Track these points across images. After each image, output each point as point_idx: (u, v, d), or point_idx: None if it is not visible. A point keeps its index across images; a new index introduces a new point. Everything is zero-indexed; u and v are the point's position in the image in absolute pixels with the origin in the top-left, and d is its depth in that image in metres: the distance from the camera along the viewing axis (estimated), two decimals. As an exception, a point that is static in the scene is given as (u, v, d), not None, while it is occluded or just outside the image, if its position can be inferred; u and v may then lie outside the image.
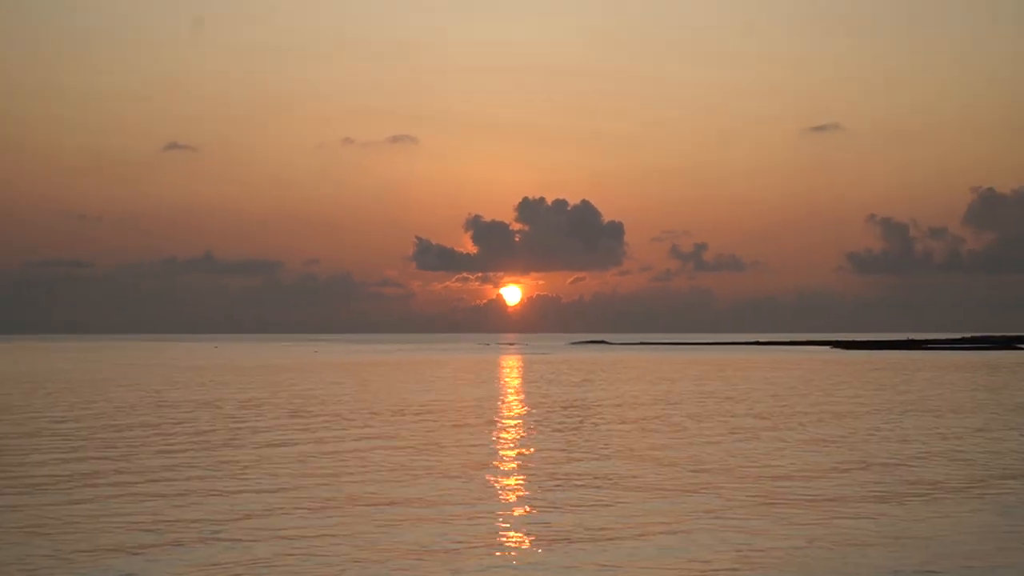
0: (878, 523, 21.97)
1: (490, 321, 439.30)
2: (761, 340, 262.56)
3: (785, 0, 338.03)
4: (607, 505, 24.30)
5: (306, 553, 18.79)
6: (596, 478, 28.94)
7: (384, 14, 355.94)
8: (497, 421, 49.02)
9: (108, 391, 72.47)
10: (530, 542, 20.26)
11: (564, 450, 35.93)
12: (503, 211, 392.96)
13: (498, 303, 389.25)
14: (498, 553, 19.20)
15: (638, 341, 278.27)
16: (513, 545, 20.14)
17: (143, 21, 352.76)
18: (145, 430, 43.36)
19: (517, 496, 26.57)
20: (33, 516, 22.76)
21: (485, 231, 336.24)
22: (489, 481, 28.94)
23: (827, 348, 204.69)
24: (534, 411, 54.04)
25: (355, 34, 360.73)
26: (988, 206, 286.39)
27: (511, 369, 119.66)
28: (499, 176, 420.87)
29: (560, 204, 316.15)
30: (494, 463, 33.28)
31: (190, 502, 24.54)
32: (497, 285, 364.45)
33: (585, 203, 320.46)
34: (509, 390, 76.16)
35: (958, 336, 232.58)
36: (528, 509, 24.34)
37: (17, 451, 35.81)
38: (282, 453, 35.04)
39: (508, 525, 22.43)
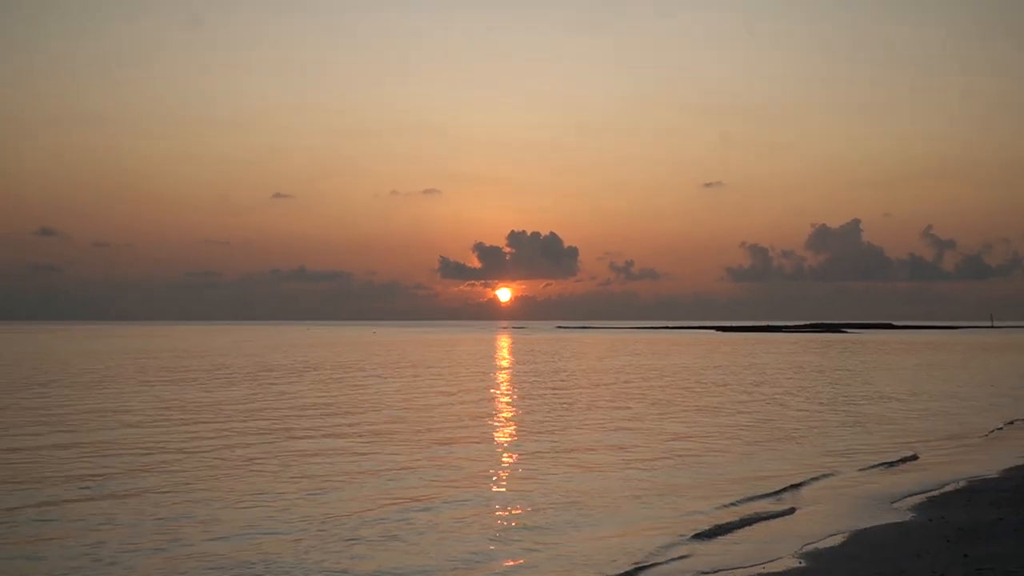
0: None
1: (489, 313, 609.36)
2: (669, 326, 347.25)
3: (685, 92, 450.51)
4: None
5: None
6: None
7: (418, 103, 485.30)
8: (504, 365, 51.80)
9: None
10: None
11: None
12: (498, 239, 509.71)
13: (494, 301, 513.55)
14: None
15: (588, 327, 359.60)
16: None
17: (256, 102, 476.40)
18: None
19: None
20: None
21: (486, 252, 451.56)
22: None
23: (713, 331, 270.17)
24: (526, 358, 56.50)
25: (398, 118, 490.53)
26: (821, 236, 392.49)
27: (507, 342, 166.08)
28: (496, 216, 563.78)
29: (536, 235, 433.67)
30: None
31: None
32: (494, 289, 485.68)
33: (552, 234, 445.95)
34: (507, 352, 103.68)
35: (802, 323, 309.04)
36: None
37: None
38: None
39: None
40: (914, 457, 26.60)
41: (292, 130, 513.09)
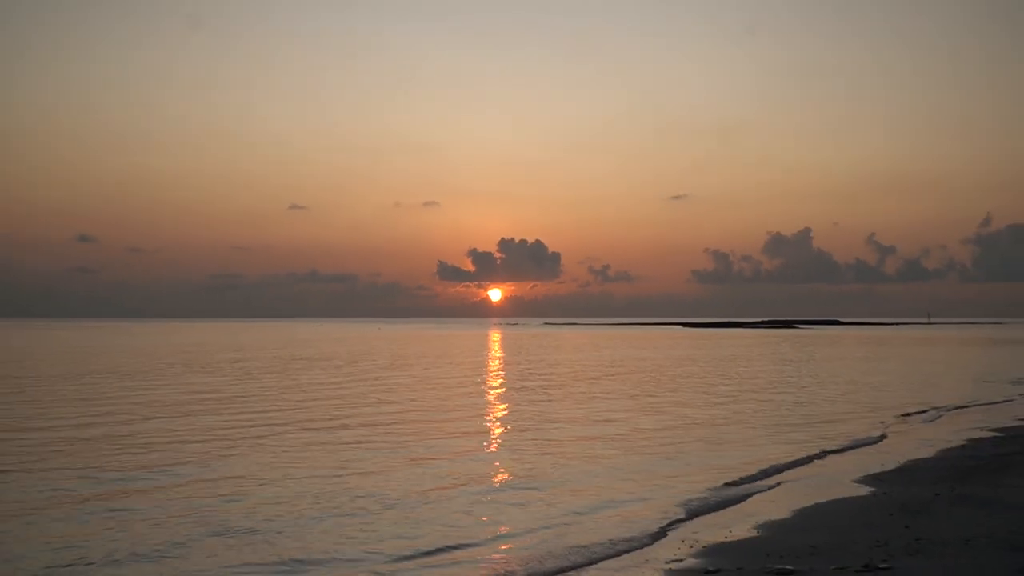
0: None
1: (481, 311, 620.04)
2: (641, 322, 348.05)
3: (655, 115, 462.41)
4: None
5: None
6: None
7: (419, 125, 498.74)
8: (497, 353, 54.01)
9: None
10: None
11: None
12: (490, 246, 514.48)
13: (486, 300, 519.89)
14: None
15: (571, 323, 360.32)
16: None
17: (275, 125, 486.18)
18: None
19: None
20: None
21: (480, 257, 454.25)
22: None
23: (680, 327, 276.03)
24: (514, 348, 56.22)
25: (401, 138, 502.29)
26: (776, 243, 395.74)
27: (499, 335, 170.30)
28: (488, 225, 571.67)
29: (523, 242, 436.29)
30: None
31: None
32: (486, 289, 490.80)
33: (538, 241, 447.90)
34: (499, 342, 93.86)
35: (759, 320, 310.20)
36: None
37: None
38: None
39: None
40: (862, 440, 26.35)
41: (306, 149, 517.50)
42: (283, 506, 16.59)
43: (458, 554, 13.46)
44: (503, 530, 15.04)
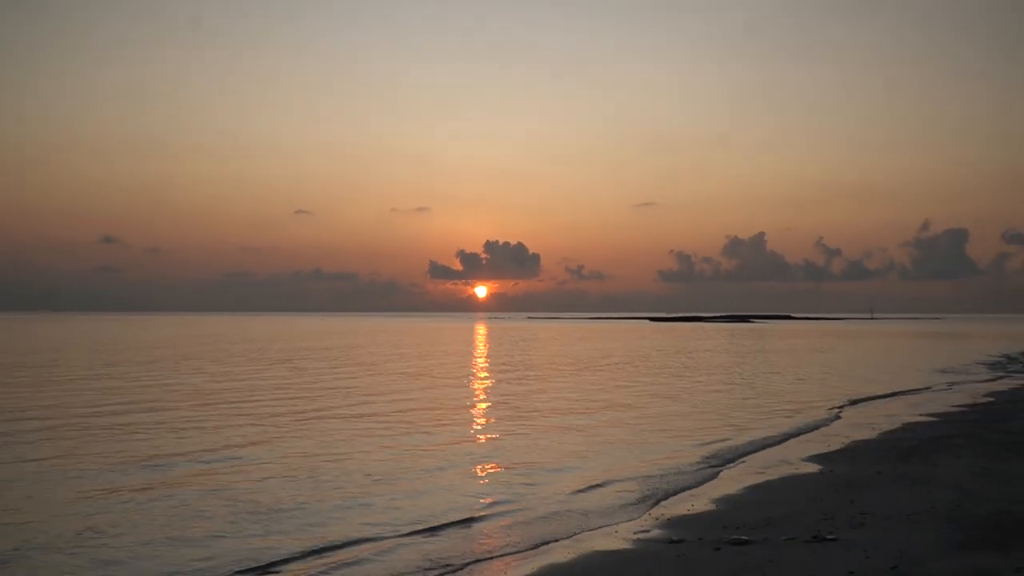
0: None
1: (469, 306, 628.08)
2: (612, 317, 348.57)
3: (625, 131, 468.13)
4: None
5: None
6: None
7: (413, 139, 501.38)
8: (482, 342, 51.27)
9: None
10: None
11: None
12: (476, 247, 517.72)
13: (473, 296, 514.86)
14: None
15: (551, 318, 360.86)
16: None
17: (282, 138, 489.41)
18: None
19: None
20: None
21: (467, 258, 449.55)
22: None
23: (647, 321, 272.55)
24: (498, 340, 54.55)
25: (397, 150, 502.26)
26: (734, 245, 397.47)
27: (485, 328, 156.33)
28: (474, 229, 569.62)
29: (507, 244, 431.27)
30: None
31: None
32: (473, 287, 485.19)
33: (520, 243, 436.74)
34: (484, 333, 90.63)
35: (718, 314, 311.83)
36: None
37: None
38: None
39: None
40: (811, 423, 26.30)
41: (311, 159, 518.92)
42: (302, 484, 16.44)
43: (446, 528, 13.38)
44: (486, 501, 14.97)
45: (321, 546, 12.18)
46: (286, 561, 11.47)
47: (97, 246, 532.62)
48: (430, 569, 11.18)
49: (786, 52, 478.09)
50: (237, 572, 11.04)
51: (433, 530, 13.16)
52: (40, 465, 18.10)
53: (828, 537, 11.81)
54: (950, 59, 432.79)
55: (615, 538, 12.54)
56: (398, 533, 12.92)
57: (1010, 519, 12.51)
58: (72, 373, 44.82)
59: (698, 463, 19.05)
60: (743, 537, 12.03)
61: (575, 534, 12.96)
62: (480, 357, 65.91)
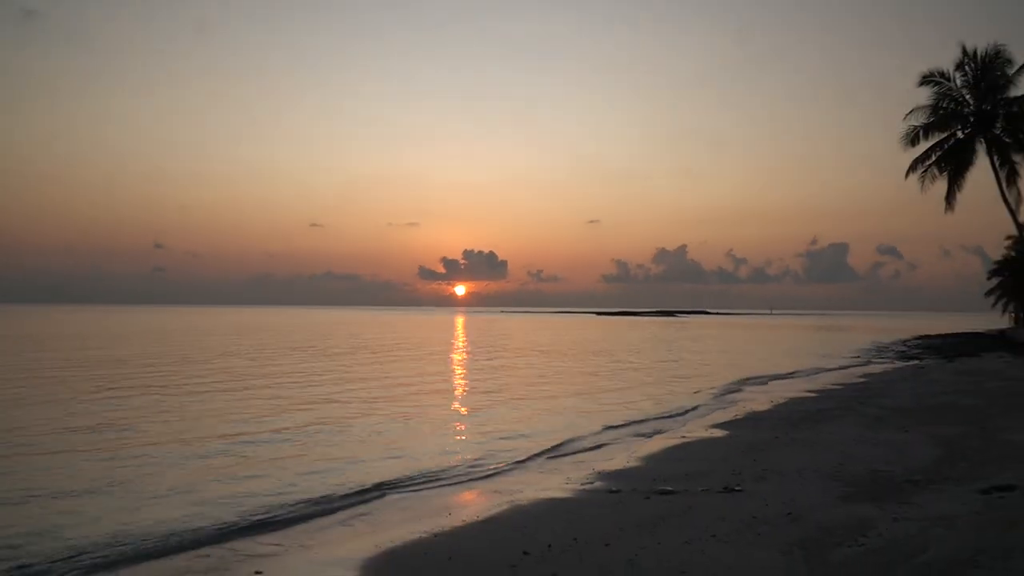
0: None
1: (450, 302, 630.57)
2: (566, 311, 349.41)
3: (575, 158, 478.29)
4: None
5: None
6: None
7: (405, 164, 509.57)
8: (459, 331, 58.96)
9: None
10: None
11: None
12: (456, 254, 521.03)
13: (453, 295, 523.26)
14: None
15: (519, 312, 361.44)
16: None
17: (302, 164, 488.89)
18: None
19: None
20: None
21: (449, 263, 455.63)
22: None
23: (593, 315, 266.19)
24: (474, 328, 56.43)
25: (393, 174, 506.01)
26: (662, 255, 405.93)
27: (464, 319, 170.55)
28: (456, 240, 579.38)
29: (481, 252, 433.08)
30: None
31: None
32: (453, 287, 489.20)
33: (492, 252, 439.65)
34: (462, 323, 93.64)
35: (650, 310, 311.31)
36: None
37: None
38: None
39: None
40: (719, 396, 26.30)
41: (322, 182, 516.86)
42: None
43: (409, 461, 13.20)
44: (448, 447, 14.79)
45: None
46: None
47: (149, 251, 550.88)
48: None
49: (708, 103, 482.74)
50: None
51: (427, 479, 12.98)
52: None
53: (736, 488, 11.75)
54: (835, 103, 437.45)
55: (566, 488, 12.38)
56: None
57: (883, 477, 12.46)
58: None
59: (622, 426, 18.98)
60: (668, 488, 11.93)
61: (533, 484, 12.76)
62: (476, 345, 65.41)
